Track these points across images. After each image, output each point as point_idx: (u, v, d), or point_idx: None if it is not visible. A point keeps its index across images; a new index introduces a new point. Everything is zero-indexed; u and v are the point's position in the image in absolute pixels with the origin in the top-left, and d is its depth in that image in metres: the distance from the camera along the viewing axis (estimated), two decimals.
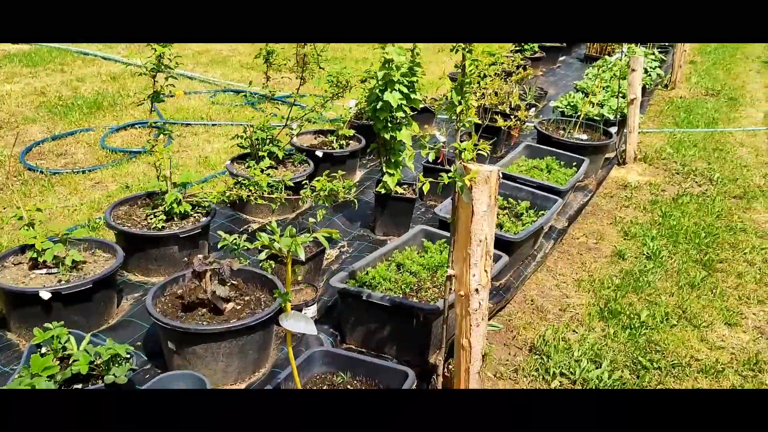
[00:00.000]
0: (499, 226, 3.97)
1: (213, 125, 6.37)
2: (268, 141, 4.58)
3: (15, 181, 4.85)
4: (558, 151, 5.26)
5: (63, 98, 6.82)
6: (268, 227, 2.23)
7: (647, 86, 8.03)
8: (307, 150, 5.01)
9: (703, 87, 9.07)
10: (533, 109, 6.94)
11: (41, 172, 4.99)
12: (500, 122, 5.45)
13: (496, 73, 6.32)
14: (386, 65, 3.77)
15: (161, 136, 3.77)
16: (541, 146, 5.37)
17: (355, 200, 3.79)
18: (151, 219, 3.69)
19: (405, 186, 4.38)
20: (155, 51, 3.51)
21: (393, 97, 3.78)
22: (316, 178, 3.77)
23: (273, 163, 4.55)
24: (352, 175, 5.19)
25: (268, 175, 4.42)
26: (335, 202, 3.69)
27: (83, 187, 4.81)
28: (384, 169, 4.11)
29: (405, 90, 3.84)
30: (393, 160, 4.09)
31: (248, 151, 4.60)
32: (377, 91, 3.82)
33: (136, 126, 6.18)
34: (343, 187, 3.79)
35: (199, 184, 4.92)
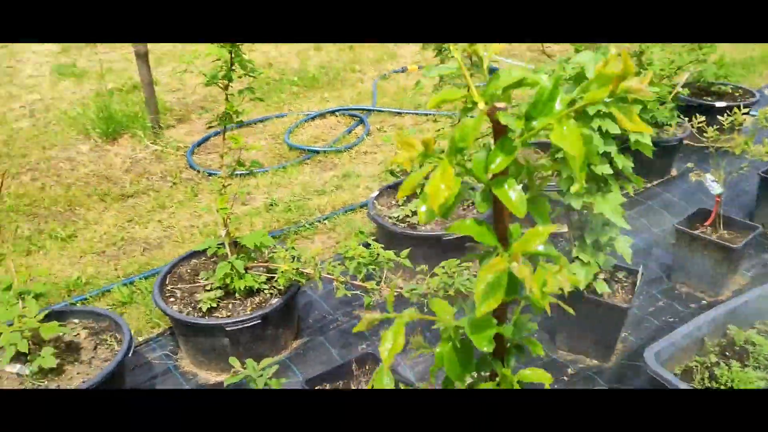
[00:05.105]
0: None
1: (427, 115, 5.02)
2: None
3: (166, 182, 4.20)
4: None
5: (284, 72, 6.10)
6: None
7: None
8: None
9: None
10: None
11: (198, 171, 4.27)
12: None
13: None
14: (578, 80, 2.01)
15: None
16: None
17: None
18: (206, 292, 2.59)
19: (620, 277, 2.58)
20: None
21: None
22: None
23: None
24: None
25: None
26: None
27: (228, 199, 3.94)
28: (574, 253, 2.36)
29: (611, 128, 2.06)
30: (589, 242, 2.32)
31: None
32: None
33: (336, 113, 5.15)
34: None
35: (321, 222, 3.70)
